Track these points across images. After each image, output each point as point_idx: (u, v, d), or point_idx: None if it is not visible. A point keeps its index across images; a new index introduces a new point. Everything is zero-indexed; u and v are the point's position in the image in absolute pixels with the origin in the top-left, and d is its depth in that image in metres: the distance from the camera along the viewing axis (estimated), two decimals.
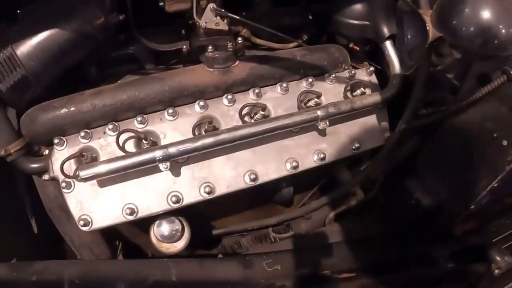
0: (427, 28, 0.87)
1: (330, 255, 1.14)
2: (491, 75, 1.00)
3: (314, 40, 1.27)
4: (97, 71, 1.16)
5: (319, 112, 1.05)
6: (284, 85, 1.11)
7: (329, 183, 1.34)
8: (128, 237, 1.23)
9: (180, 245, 1.04)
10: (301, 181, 1.26)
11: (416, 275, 1.23)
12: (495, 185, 1.04)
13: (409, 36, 0.95)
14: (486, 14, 0.80)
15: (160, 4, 1.04)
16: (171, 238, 1.03)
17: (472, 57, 1.02)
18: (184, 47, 1.12)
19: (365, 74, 1.21)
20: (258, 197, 1.25)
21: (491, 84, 0.97)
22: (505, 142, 0.99)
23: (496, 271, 1.16)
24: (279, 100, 1.11)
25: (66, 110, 0.99)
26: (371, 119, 1.18)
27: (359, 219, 1.33)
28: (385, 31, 1.14)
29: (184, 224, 1.05)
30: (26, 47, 0.96)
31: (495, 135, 1.01)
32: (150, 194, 1.02)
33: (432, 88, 1.12)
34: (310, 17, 1.29)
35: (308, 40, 1.26)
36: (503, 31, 0.80)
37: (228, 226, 1.28)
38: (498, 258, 1.15)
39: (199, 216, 1.17)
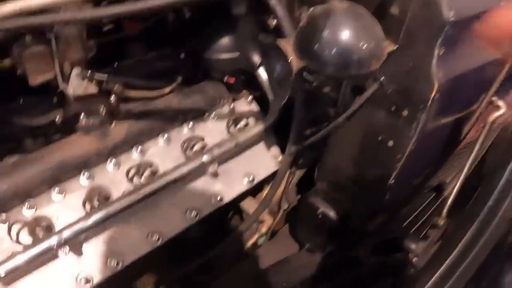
0: (289, 59, 0.87)
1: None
2: (364, 84, 1.02)
3: (190, 80, 1.26)
4: None
5: (204, 158, 1.04)
6: (166, 136, 1.09)
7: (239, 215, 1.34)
8: None
9: None
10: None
11: (344, 280, 1.25)
12: (391, 182, 1.08)
13: (274, 69, 0.96)
14: (345, 36, 0.80)
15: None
16: None
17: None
18: (58, 117, 1.07)
19: (245, 104, 1.22)
20: (171, 248, 1.22)
21: (366, 93, 0.99)
22: (390, 143, 1.03)
23: (414, 259, 1.20)
24: (163, 152, 1.09)
25: None
26: (260, 148, 1.18)
27: (274, 244, 1.34)
28: (256, 59, 1.14)
29: None
30: None
31: (380, 138, 1.05)
32: (58, 283, 0.96)
33: (313, 106, 1.14)
34: (183, 55, 1.28)
35: (184, 81, 1.25)
36: (364, 49, 0.81)
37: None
38: (413, 246, 1.20)
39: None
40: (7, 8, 0.72)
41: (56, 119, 1.07)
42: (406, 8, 0.90)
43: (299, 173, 1.28)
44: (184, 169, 1.03)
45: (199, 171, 1.07)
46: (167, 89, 1.20)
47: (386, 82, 0.97)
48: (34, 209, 0.98)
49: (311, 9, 0.86)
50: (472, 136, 1.28)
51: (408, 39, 0.92)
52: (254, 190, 1.28)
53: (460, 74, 1.01)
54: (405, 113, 0.98)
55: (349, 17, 0.81)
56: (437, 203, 1.38)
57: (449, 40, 0.90)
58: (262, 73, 1.15)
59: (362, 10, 0.84)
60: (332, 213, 1.19)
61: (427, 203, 1.40)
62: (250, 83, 1.25)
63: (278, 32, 1.06)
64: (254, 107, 1.22)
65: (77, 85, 1.00)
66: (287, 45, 0.87)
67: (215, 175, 1.10)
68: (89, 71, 0.99)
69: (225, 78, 1.22)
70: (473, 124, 1.26)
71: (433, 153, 1.16)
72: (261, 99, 1.23)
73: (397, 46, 0.93)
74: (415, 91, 0.95)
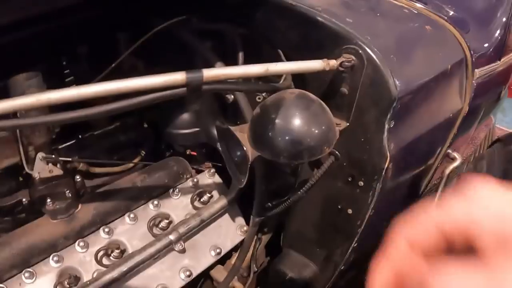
0: (245, 148, 0.89)
1: None
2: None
3: (154, 152, 1.29)
4: None
5: (171, 237, 1.06)
6: (132, 215, 1.11)
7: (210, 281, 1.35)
8: None
9: None
10: None
11: None
12: (355, 245, 1.11)
13: (231, 154, 0.99)
14: (295, 125, 0.83)
15: None
16: None
17: None
18: (24, 200, 1.09)
19: (207, 176, 1.24)
20: None
21: (323, 167, 1.02)
22: (350, 211, 1.07)
23: None
24: (131, 231, 1.10)
25: None
26: (225, 220, 1.20)
27: None
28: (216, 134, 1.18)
29: None
30: None
31: (339, 206, 1.08)
32: None
33: (274, 177, 1.17)
34: (146, 125, 1.31)
35: (147, 153, 1.28)
36: (314, 136, 0.84)
37: None
38: None
39: None
40: None
41: (23, 200, 1.09)
42: (355, 87, 0.94)
43: (265, 238, 1.31)
44: (151, 250, 1.04)
45: (167, 248, 1.08)
46: (131, 164, 1.23)
47: (341, 156, 1.01)
48: None
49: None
50: (430, 189, 1.33)
51: (359, 116, 0.96)
52: (222, 258, 1.30)
53: (412, 140, 1.06)
54: (361, 183, 1.02)
55: (299, 106, 0.84)
56: None
57: (398, 113, 0.94)
58: None
59: (311, 97, 0.87)
60: (300, 279, 1.21)
61: None
62: (212, 154, 1.29)
63: (235, 109, 1.11)
64: (217, 179, 1.25)
65: (42, 168, 1.02)
66: (242, 133, 0.90)
67: (183, 250, 1.11)
68: (53, 155, 1.01)
69: (188, 152, 1.25)
70: (430, 178, 1.31)
71: (393, 210, 1.19)
72: (224, 169, 1.26)
73: (349, 123, 0.97)
74: (369, 163, 0.99)
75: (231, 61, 1.10)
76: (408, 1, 1.30)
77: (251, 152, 0.88)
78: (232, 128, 0.91)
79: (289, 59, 1.03)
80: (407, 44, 1.10)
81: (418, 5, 1.29)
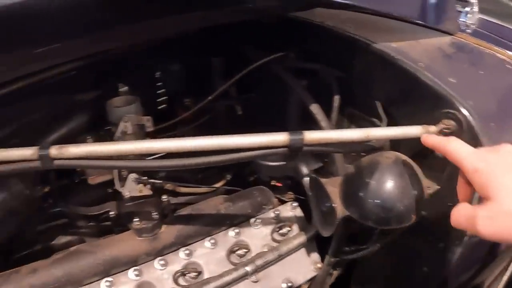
0: (334, 205, 0.91)
1: None
2: None
3: (238, 177, 1.32)
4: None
5: (247, 268, 1.09)
6: (212, 240, 1.14)
7: None
8: None
9: None
10: None
11: None
12: None
13: (319, 204, 1.00)
14: (388, 192, 0.84)
15: (82, 177, 1.09)
16: None
17: None
18: (111, 212, 1.15)
19: (289, 209, 1.26)
20: None
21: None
22: (425, 269, 1.06)
23: None
24: (209, 255, 1.14)
25: None
26: (301, 255, 1.21)
27: None
28: (304, 169, 1.20)
29: None
30: None
31: (414, 262, 1.08)
32: None
33: (354, 222, 1.17)
34: None
35: (232, 179, 1.31)
36: (405, 205, 0.85)
37: None
38: None
39: None
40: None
41: (110, 212, 1.16)
42: None
43: (336, 274, 1.31)
44: (228, 278, 1.07)
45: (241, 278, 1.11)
46: (216, 185, 1.27)
47: (425, 217, 1.01)
48: None
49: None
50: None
51: (450, 180, 0.93)
52: None
53: None
54: (441, 244, 1.00)
55: (393, 173, 0.85)
56: None
57: None
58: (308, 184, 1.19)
59: (406, 163, 0.88)
60: None
61: None
62: (296, 186, 1.30)
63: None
64: (299, 212, 1.26)
65: (132, 188, 1.07)
66: (334, 188, 0.91)
67: (255, 280, 1.14)
68: (145, 177, 1.06)
69: (273, 182, 1.28)
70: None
71: (471, 268, 1.17)
72: (305, 202, 1.27)
73: (439, 187, 0.96)
74: (453, 228, 0.98)
75: (325, 102, 1.12)
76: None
77: (340, 208, 0.90)
78: (323, 180, 0.93)
79: (384, 109, 1.04)
80: (509, 109, 1.08)
81: None
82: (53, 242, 1.24)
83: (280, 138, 0.80)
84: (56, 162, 0.80)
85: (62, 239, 1.24)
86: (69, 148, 0.80)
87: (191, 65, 1.42)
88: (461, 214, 0.73)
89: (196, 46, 1.37)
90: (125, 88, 1.16)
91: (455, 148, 0.77)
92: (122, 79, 1.18)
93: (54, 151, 0.79)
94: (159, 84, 1.37)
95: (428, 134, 0.86)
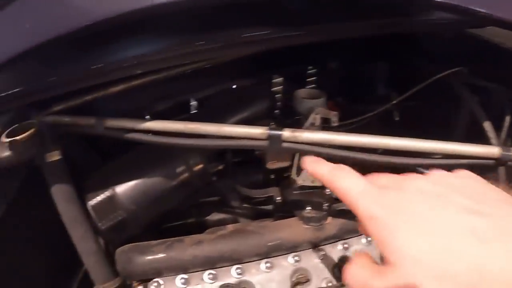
0: None
1: None
2: None
3: None
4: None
5: None
6: (369, 238, 1.18)
7: None
8: None
9: None
10: None
11: None
12: None
13: None
14: None
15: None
16: None
17: None
18: (277, 198, 1.20)
19: None
20: None
21: None
22: None
23: None
24: (363, 251, 1.17)
25: (165, 256, 1.05)
26: None
27: None
28: None
29: None
30: (127, 190, 1.04)
31: None
32: None
33: None
34: None
35: None
36: None
37: None
38: None
39: None
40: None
41: (274, 197, 1.20)
42: None
43: None
44: None
45: None
46: None
47: None
48: (242, 275, 1.10)
49: None
50: None
51: None
52: None
53: None
54: None
55: None
56: None
57: None
58: None
59: None
60: None
61: None
62: None
63: None
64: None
65: (306, 178, 1.13)
66: None
67: None
68: None
69: None
70: None
71: None
72: None
73: None
74: None
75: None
76: None
77: None
78: None
79: None
80: None
81: None
82: (207, 218, 1.30)
83: (491, 150, 0.82)
84: (285, 144, 0.85)
85: (215, 216, 1.30)
86: (303, 133, 0.85)
87: (350, 65, 1.45)
88: (354, 279, 0.55)
89: (358, 48, 1.40)
90: (280, 79, 1.20)
91: (345, 185, 0.58)
92: (275, 70, 1.22)
93: (287, 133, 0.85)
94: (310, 79, 1.41)
95: (310, 158, 0.70)
